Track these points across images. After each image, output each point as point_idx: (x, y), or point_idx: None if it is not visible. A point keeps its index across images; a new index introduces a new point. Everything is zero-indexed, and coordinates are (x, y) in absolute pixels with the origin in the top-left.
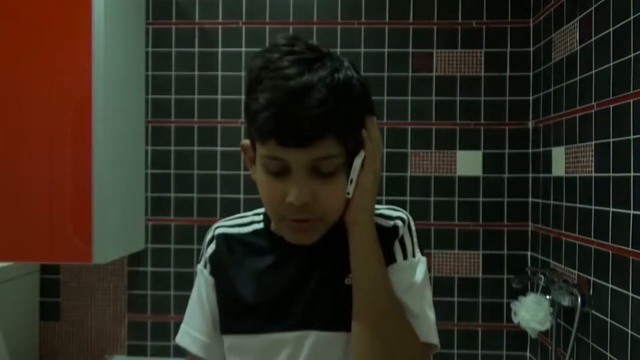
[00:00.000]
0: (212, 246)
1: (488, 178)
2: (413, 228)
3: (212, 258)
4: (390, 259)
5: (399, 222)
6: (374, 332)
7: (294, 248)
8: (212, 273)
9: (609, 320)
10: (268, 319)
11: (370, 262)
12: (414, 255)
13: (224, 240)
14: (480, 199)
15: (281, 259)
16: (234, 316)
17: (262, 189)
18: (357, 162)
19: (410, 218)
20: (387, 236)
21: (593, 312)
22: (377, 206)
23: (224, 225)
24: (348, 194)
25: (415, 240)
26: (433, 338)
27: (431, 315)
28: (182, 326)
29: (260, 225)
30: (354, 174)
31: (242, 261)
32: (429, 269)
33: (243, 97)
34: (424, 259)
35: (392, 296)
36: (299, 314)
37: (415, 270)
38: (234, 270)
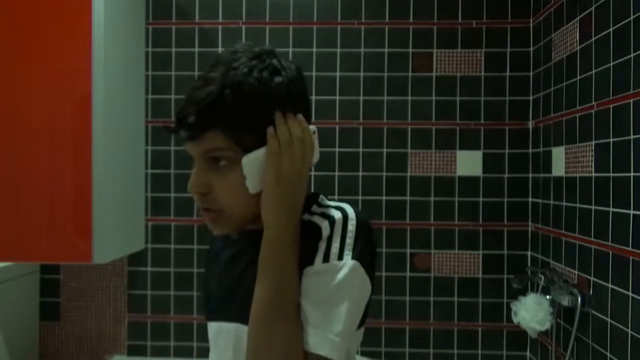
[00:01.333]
0: (209, 246)
1: (488, 178)
2: (350, 228)
3: (208, 254)
4: (309, 261)
5: (326, 223)
6: (251, 333)
7: (252, 240)
8: (205, 267)
9: (609, 320)
10: (218, 308)
11: (265, 266)
12: (340, 258)
13: (216, 239)
14: (480, 199)
15: (241, 250)
16: (204, 303)
17: None
18: (245, 159)
19: (353, 217)
20: (313, 236)
21: (593, 312)
22: (330, 203)
23: None
24: (247, 188)
25: (349, 242)
26: (326, 351)
27: (335, 326)
28: None
29: None
30: (244, 170)
31: (220, 253)
32: (428, 269)
33: None
34: (352, 264)
35: (280, 300)
36: (237, 306)
37: (332, 276)
38: (214, 263)
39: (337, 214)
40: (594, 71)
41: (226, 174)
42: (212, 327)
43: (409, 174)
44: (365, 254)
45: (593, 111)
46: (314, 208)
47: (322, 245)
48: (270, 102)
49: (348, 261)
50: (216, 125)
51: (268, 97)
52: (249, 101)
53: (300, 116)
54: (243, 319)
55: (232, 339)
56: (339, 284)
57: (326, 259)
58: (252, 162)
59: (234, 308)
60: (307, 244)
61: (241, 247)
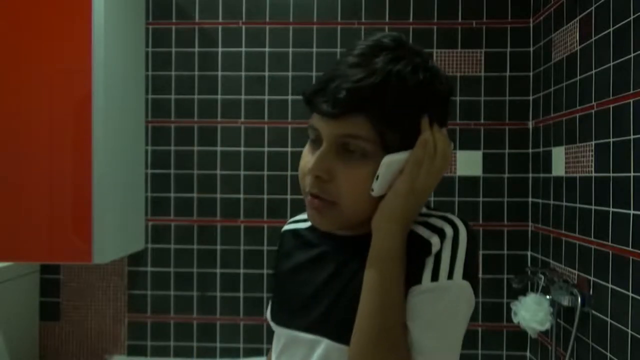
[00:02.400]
0: (279, 242)
1: (488, 178)
2: (462, 245)
3: (278, 252)
4: (416, 278)
5: (436, 238)
6: (358, 355)
7: (337, 246)
8: (275, 265)
9: (609, 320)
10: (292, 315)
11: (375, 281)
12: (450, 277)
13: (286, 235)
14: (480, 199)
15: (322, 255)
16: (274, 306)
17: (301, 159)
18: (387, 159)
19: (464, 232)
20: (420, 250)
21: (593, 312)
22: (429, 212)
23: (291, 222)
24: (372, 190)
25: (460, 259)
26: None
27: (446, 354)
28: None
29: None
30: (381, 170)
31: (292, 253)
32: None
33: (244, 96)
34: (464, 285)
35: (388, 322)
36: (317, 317)
37: (441, 297)
38: (285, 262)
39: (447, 228)
40: (594, 71)
41: (356, 166)
42: (283, 333)
43: None
44: (474, 272)
45: (593, 111)
46: None
47: (430, 261)
48: (425, 105)
49: (459, 281)
50: (367, 111)
51: (425, 100)
52: (409, 98)
53: (444, 130)
54: (329, 334)
55: (315, 353)
56: (450, 307)
57: (435, 277)
58: (393, 164)
59: (314, 318)
60: (412, 258)
61: (323, 251)
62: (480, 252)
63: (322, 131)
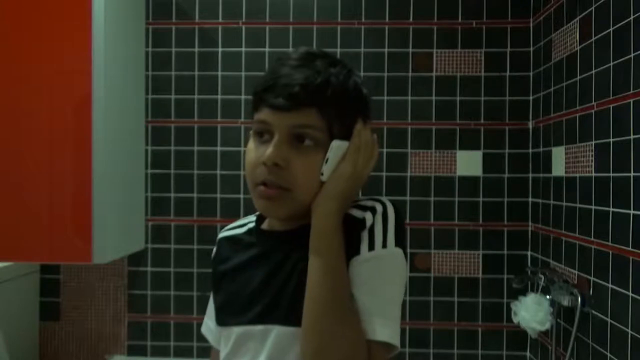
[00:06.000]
0: (214, 250)
1: (488, 178)
2: (391, 218)
3: (214, 259)
4: (354, 251)
5: (369, 214)
6: (311, 327)
7: (276, 243)
8: (213, 272)
9: (609, 320)
10: (239, 312)
11: (320, 254)
12: (384, 246)
13: (222, 242)
14: (480, 199)
15: (263, 253)
16: (219, 308)
17: (246, 155)
18: (335, 143)
19: (391, 208)
20: (355, 228)
21: (593, 312)
22: (359, 198)
23: (226, 229)
24: (322, 174)
25: (391, 230)
26: (387, 337)
27: (391, 313)
28: (205, 317)
29: (253, 224)
30: (330, 153)
31: (232, 257)
32: (428, 269)
33: (244, 96)
34: (398, 252)
35: (335, 292)
36: (265, 307)
37: (381, 263)
38: (225, 266)
39: (377, 206)
40: (594, 71)
41: (308, 154)
42: (232, 332)
43: (409, 174)
44: (404, 241)
45: (593, 111)
46: None
47: (365, 235)
48: (361, 104)
49: (393, 249)
50: (318, 103)
51: (360, 100)
52: (350, 95)
53: (368, 125)
54: (279, 320)
55: (267, 341)
56: (389, 271)
57: (372, 247)
58: (339, 148)
59: (263, 309)
60: (350, 235)
61: (263, 250)
62: (481, 252)
63: (275, 123)
